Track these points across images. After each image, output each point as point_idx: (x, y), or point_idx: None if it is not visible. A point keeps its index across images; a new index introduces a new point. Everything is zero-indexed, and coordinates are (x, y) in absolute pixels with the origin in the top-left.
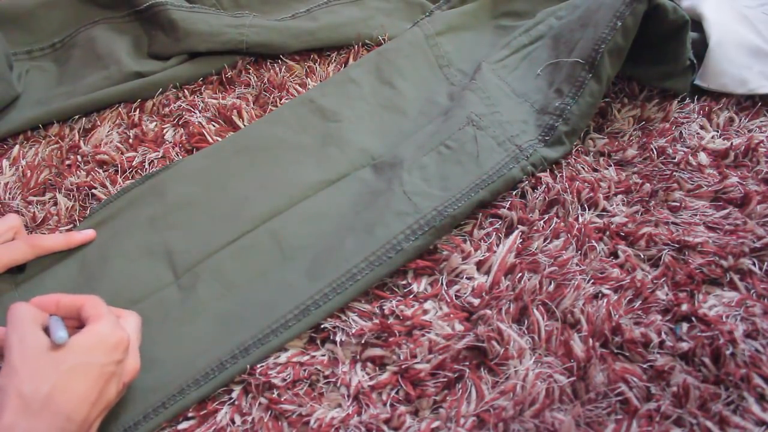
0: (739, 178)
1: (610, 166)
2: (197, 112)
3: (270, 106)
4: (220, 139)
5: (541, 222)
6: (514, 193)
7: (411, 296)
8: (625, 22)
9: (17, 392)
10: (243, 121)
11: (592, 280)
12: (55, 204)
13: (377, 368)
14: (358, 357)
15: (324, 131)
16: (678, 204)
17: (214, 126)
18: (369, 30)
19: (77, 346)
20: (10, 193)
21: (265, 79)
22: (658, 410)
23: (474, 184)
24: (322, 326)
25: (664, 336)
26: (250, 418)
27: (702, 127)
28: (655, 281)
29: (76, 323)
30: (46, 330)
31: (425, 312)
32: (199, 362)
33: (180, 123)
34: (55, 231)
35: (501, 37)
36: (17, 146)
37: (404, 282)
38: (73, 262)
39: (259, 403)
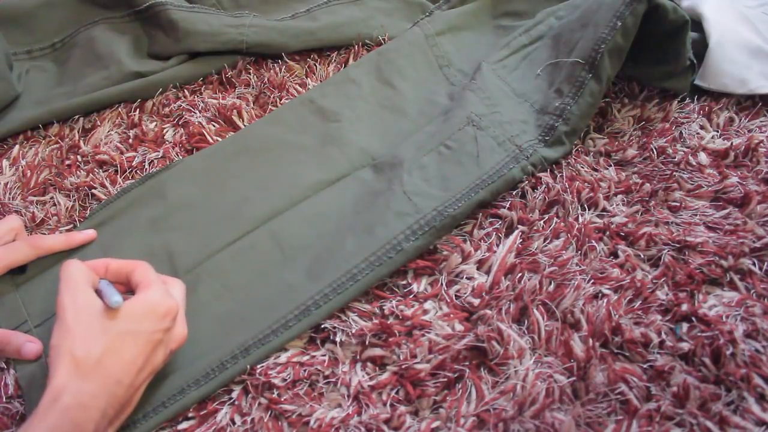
0: (739, 178)
1: (610, 166)
2: (197, 112)
3: (270, 106)
4: (220, 139)
5: (541, 222)
6: (514, 193)
7: (411, 296)
8: (625, 22)
9: (70, 353)
10: (243, 121)
11: (592, 280)
12: (55, 204)
13: (377, 368)
14: (358, 357)
15: (324, 131)
16: (678, 204)
17: (214, 126)
18: (369, 30)
19: (128, 312)
20: (10, 193)
21: (265, 79)
22: (658, 410)
23: (474, 184)
24: (322, 326)
25: (664, 336)
26: (250, 418)
27: (702, 127)
28: (655, 281)
29: (123, 288)
30: (97, 292)
31: (425, 312)
32: (199, 362)
33: (180, 123)
34: (55, 231)
35: (501, 37)
36: (17, 146)
37: (404, 282)
38: None
39: (259, 403)
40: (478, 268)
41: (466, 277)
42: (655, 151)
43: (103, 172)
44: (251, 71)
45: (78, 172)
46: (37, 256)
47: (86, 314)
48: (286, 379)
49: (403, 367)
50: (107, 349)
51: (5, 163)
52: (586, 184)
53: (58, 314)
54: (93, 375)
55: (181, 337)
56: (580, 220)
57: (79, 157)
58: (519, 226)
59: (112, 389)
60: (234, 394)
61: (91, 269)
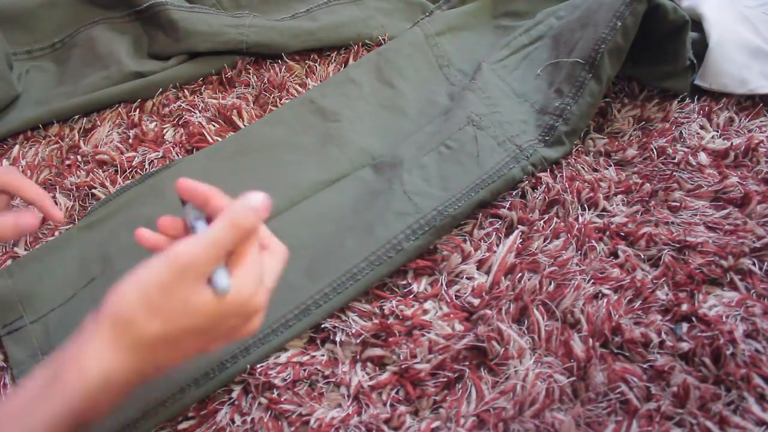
0: (739, 178)
1: (610, 166)
2: (197, 112)
3: (270, 106)
4: (220, 139)
5: (541, 222)
6: (514, 193)
7: (411, 296)
8: (625, 22)
9: (128, 318)
10: (243, 121)
11: (592, 280)
12: (56, 204)
13: (377, 368)
14: (358, 357)
15: (324, 131)
16: (678, 204)
17: (214, 126)
18: (369, 30)
19: (219, 311)
20: None
21: (265, 79)
22: (658, 410)
23: (474, 184)
24: (322, 326)
25: (664, 336)
26: (250, 418)
27: (702, 127)
28: (655, 281)
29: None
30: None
31: (425, 312)
32: (199, 362)
33: (180, 123)
34: (54, 231)
35: (501, 37)
36: (17, 146)
37: (404, 282)
38: (72, 261)
39: (259, 403)
40: (478, 268)
41: (466, 277)
42: (655, 151)
43: (103, 172)
44: (251, 71)
45: (78, 172)
46: (3, 185)
47: (178, 291)
48: (286, 379)
49: (403, 367)
50: (169, 334)
51: (5, 163)
52: (586, 184)
53: (152, 265)
54: (137, 352)
55: (251, 331)
56: (580, 220)
57: (79, 157)
58: (519, 226)
59: (148, 372)
60: (234, 394)
61: (191, 192)
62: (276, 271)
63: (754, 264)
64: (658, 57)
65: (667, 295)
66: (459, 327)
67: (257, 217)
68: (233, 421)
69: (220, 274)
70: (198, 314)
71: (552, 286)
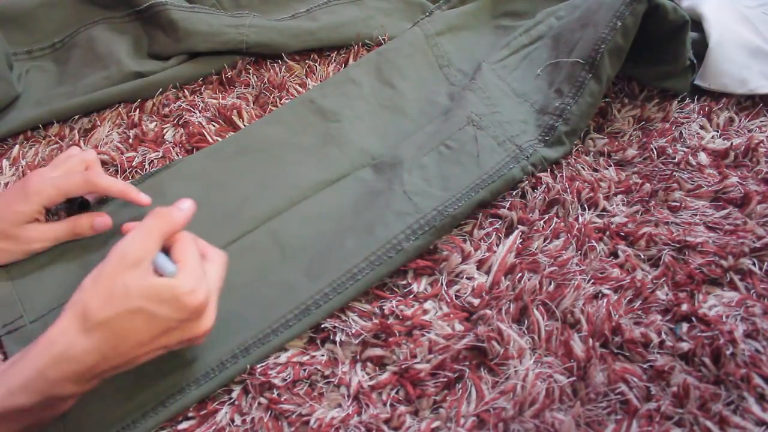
0: (739, 178)
1: (610, 166)
2: (197, 112)
3: (270, 106)
4: (220, 139)
5: (541, 222)
6: (514, 193)
7: (411, 296)
8: (625, 22)
9: (84, 303)
10: (243, 121)
11: (592, 280)
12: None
13: (377, 368)
14: (358, 357)
15: (324, 131)
16: (678, 204)
17: (214, 126)
18: (369, 30)
19: (151, 291)
20: None
21: (265, 79)
22: (658, 410)
23: (474, 184)
24: (322, 326)
25: (664, 336)
26: (249, 418)
27: (702, 127)
28: (655, 281)
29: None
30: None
31: (425, 312)
32: (199, 362)
33: (180, 123)
34: None
35: (501, 37)
36: (17, 146)
37: (404, 282)
38: (74, 263)
39: (259, 403)
40: (478, 268)
41: (466, 277)
42: (655, 151)
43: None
44: (251, 71)
45: None
46: (89, 191)
47: (122, 276)
48: (285, 379)
49: (403, 367)
50: (117, 316)
51: (5, 163)
52: (586, 184)
53: (105, 259)
54: (93, 333)
55: (203, 329)
56: (580, 220)
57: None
58: (519, 226)
59: (106, 352)
60: (234, 394)
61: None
62: (217, 275)
63: (754, 264)
64: (658, 57)
65: (667, 295)
66: (459, 327)
67: (181, 212)
68: (233, 421)
69: (160, 259)
70: (137, 296)
71: (552, 286)
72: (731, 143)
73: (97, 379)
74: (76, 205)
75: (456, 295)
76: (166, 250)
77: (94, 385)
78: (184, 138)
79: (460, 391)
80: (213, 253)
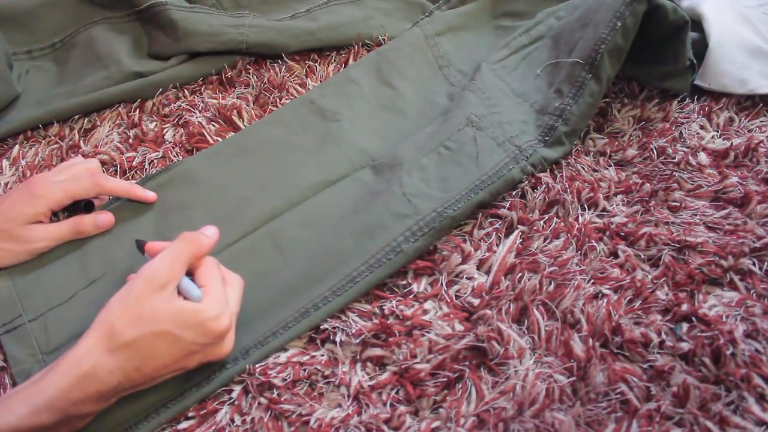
0: (739, 178)
1: (610, 166)
2: (197, 112)
3: (270, 106)
4: (220, 139)
5: (541, 222)
6: (513, 193)
7: (411, 296)
8: (625, 23)
9: (111, 324)
10: (243, 121)
11: (592, 280)
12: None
13: (377, 368)
14: (358, 357)
15: (324, 131)
16: (678, 204)
17: (214, 126)
18: (369, 30)
19: (177, 315)
20: None
21: (265, 79)
22: (658, 410)
23: (474, 185)
24: (322, 326)
25: (664, 336)
26: (249, 418)
27: (702, 127)
28: (655, 281)
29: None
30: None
31: (425, 312)
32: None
33: (180, 123)
34: None
35: (501, 37)
36: (17, 146)
37: (404, 282)
38: (74, 262)
39: (259, 403)
40: (478, 268)
41: (466, 277)
42: (655, 151)
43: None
44: (251, 71)
45: None
46: (98, 193)
47: (149, 299)
48: (285, 379)
49: (403, 367)
50: (143, 337)
51: (5, 163)
52: (586, 184)
53: (132, 281)
54: (118, 354)
55: (224, 353)
56: (580, 220)
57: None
58: (519, 226)
59: (130, 373)
60: (234, 394)
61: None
62: (237, 298)
63: (754, 264)
64: (658, 57)
65: (667, 295)
66: (459, 327)
67: (207, 238)
68: (233, 421)
69: (186, 284)
70: (164, 319)
71: (552, 286)
72: (731, 143)
73: (116, 398)
74: (80, 207)
75: (456, 295)
76: (190, 274)
77: (112, 403)
78: (184, 138)
79: (460, 391)
80: (232, 278)
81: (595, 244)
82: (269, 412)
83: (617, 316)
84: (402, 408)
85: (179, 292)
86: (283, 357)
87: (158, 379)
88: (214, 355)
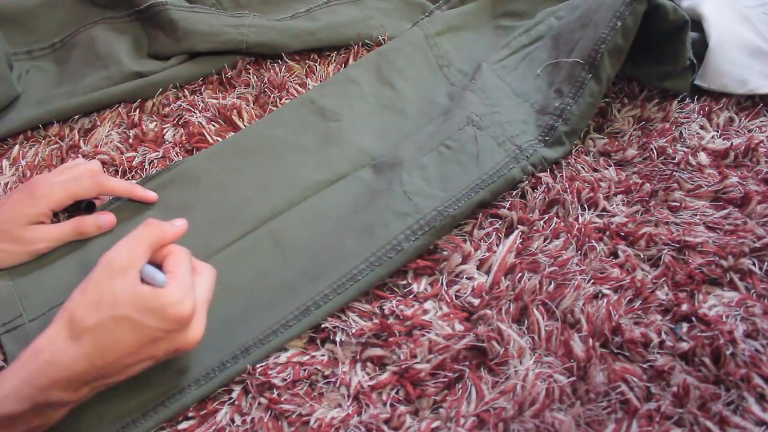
0: (739, 178)
1: (610, 166)
2: (197, 112)
3: (270, 106)
4: (220, 139)
5: (541, 222)
6: (514, 193)
7: (411, 296)
8: (625, 22)
9: (71, 311)
10: (243, 121)
11: (592, 280)
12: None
13: (377, 368)
14: (358, 357)
15: (324, 131)
16: (678, 204)
17: (214, 126)
18: (369, 30)
19: (136, 299)
20: None
21: (265, 79)
22: (658, 410)
23: (474, 185)
24: (322, 326)
25: (664, 336)
26: (249, 418)
27: (702, 127)
28: (655, 281)
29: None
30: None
31: (425, 312)
32: (199, 362)
33: (180, 123)
34: None
35: (501, 37)
36: (17, 146)
37: (404, 282)
38: (73, 261)
39: (259, 403)
40: (478, 268)
41: (466, 277)
42: (655, 151)
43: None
44: (251, 71)
45: None
46: (99, 193)
47: (109, 284)
48: (285, 379)
49: (403, 367)
50: (104, 322)
51: (5, 163)
52: (586, 184)
53: (94, 268)
54: (80, 340)
55: (191, 341)
56: (580, 220)
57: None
58: (519, 226)
59: (95, 359)
60: (234, 394)
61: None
62: (206, 287)
63: (754, 264)
64: (658, 57)
65: (667, 295)
66: (459, 327)
67: (173, 227)
68: (233, 421)
69: (150, 270)
70: (123, 303)
71: (552, 286)
72: (731, 143)
73: (88, 388)
74: (82, 208)
75: (456, 295)
76: (159, 265)
77: (87, 395)
78: (184, 138)
79: (460, 391)
80: (203, 267)
81: (595, 244)
82: (269, 412)
83: (617, 316)
84: (402, 408)
85: (144, 280)
86: (283, 357)
87: (129, 369)
88: (181, 343)
